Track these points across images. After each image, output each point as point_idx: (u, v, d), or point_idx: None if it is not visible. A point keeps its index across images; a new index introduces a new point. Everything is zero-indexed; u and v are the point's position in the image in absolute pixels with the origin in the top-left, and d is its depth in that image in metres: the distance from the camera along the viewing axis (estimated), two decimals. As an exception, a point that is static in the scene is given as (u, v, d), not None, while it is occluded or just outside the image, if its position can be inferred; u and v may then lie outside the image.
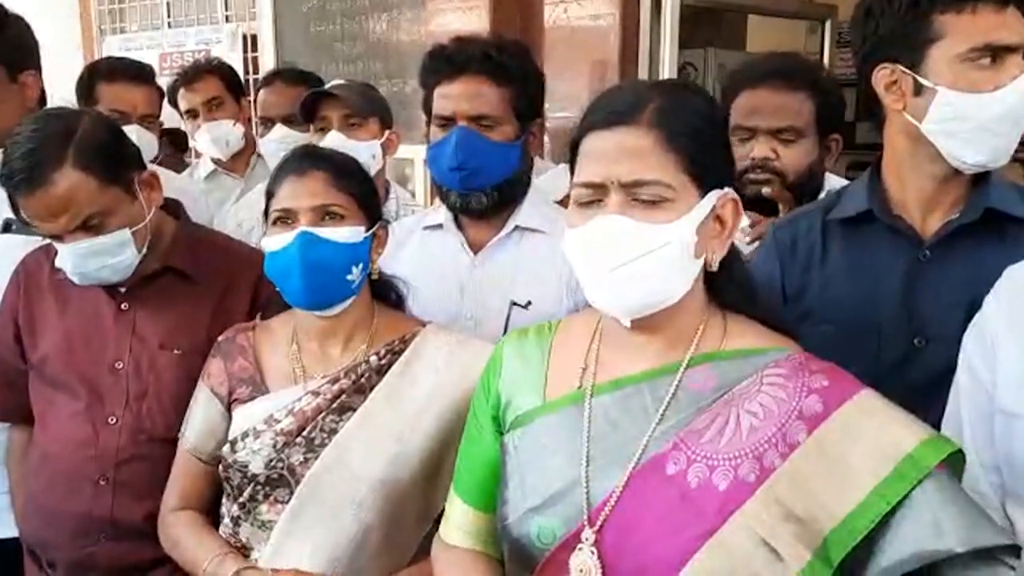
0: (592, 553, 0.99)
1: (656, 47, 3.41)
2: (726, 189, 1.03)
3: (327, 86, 2.25)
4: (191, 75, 2.73)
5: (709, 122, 1.04)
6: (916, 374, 1.32)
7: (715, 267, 1.03)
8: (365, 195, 1.43)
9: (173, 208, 1.70)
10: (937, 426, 1.20)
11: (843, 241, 1.42)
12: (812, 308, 1.43)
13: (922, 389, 1.28)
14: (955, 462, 0.96)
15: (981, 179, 1.35)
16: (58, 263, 1.53)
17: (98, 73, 2.47)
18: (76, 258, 1.50)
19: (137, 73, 2.51)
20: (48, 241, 1.71)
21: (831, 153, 1.78)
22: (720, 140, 1.06)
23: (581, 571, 0.99)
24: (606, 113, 1.01)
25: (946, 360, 1.23)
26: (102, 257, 1.50)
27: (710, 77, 4.08)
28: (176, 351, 1.58)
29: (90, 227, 1.47)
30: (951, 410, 1.21)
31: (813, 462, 0.95)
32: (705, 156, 1.00)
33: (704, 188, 1.00)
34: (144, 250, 1.56)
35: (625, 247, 0.98)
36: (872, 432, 0.95)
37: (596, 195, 1.00)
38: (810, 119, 1.71)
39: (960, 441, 1.15)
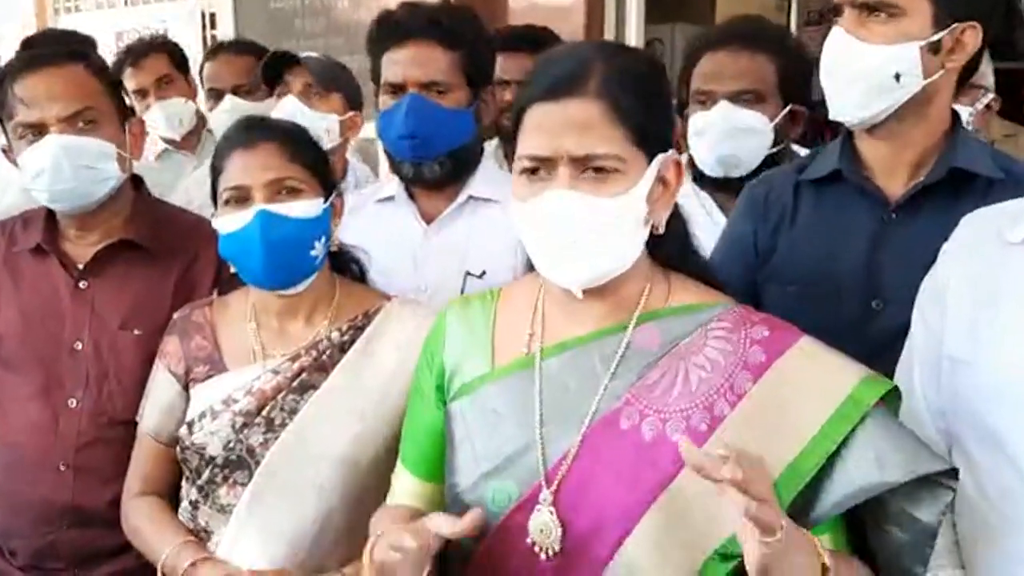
0: (551, 512, 1.00)
1: (622, 22, 3.39)
2: (669, 151, 1.02)
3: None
4: (137, 53, 2.66)
5: (653, 85, 1.04)
6: (873, 335, 1.32)
7: (662, 230, 1.04)
8: (318, 163, 1.39)
9: (134, 182, 1.67)
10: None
11: (813, 201, 1.43)
12: (779, 268, 1.45)
13: (879, 350, 1.27)
14: (891, 399, 1.01)
15: (950, 139, 1.35)
16: (33, 168, 1.50)
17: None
18: (57, 150, 1.48)
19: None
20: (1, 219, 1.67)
21: (797, 126, 1.75)
22: (664, 102, 1.06)
23: (541, 531, 1.01)
24: (551, 82, 0.99)
25: (903, 322, 1.24)
26: (84, 156, 1.49)
27: (678, 53, 4.05)
28: (136, 331, 1.54)
29: (80, 124, 1.49)
30: (904, 357, 1.23)
31: (759, 409, 0.98)
32: (651, 121, 1.00)
33: (651, 154, 1.00)
34: (124, 175, 1.57)
35: (578, 223, 0.97)
36: (813, 377, 0.99)
37: (545, 168, 0.99)
38: (772, 82, 1.69)
39: (911, 387, 1.18)
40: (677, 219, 1.09)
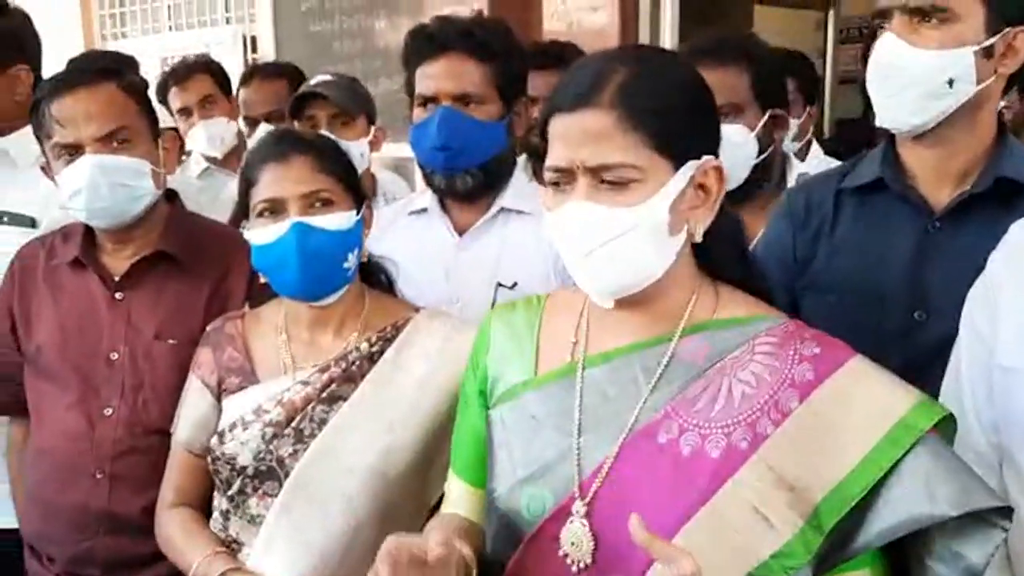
0: (583, 525, 0.98)
1: (656, 39, 3.37)
2: (705, 157, 0.99)
3: (312, 81, 2.22)
4: (182, 74, 2.72)
5: (680, 91, 1.00)
6: (916, 347, 1.29)
7: (698, 238, 1.00)
8: (349, 175, 1.40)
9: (168, 194, 1.70)
10: (937, 396, 1.18)
11: (854, 210, 1.40)
12: (818, 277, 1.42)
13: (921, 362, 1.24)
14: (946, 426, 0.95)
15: (997, 147, 1.33)
16: (70, 187, 1.53)
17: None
18: (94, 170, 1.49)
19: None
20: (42, 233, 1.73)
21: (782, 130, 1.71)
22: (695, 107, 1.02)
23: (573, 543, 0.98)
24: (568, 94, 0.98)
25: (946, 334, 1.20)
26: (120, 175, 1.52)
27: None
28: (171, 341, 1.56)
29: (115, 144, 1.52)
30: (952, 368, 1.19)
31: (805, 429, 0.94)
32: (675, 128, 0.97)
33: (678, 161, 0.97)
34: (158, 191, 1.59)
35: (594, 233, 0.96)
36: (864, 398, 0.94)
37: (565, 179, 0.98)
38: (746, 92, 1.63)
39: (959, 399, 1.14)
40: (727, 227, 1.05)
